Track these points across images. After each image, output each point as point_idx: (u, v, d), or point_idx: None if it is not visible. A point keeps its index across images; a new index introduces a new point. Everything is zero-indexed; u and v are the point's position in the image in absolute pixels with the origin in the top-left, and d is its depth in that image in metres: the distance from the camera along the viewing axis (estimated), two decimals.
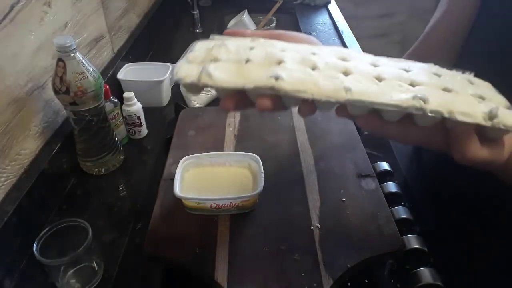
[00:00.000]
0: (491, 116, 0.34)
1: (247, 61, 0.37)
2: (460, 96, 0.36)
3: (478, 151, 0.35)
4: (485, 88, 0.39)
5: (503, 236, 0.59)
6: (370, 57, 0.42)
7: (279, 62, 0.37)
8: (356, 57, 0.41)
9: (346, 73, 0.37)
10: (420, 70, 0.40)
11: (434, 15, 0.66)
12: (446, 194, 0.69)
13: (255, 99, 0.36)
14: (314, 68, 0.38)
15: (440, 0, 0.66)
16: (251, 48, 0.40)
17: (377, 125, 0.37)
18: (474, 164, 0.36)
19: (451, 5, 0.63)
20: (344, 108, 0.37)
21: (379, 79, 0.37)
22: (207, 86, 0.36)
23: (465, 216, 0.63)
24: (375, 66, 0.40)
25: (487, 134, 0.36)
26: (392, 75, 0.38)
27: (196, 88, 0.37)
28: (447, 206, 0.68)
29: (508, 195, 0.56)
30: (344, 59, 0.40)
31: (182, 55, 0.40)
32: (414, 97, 0.34)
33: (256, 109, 0.36)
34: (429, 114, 0.33)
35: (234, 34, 0.44)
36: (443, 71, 0.41)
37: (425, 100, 0.34)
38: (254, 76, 0.36)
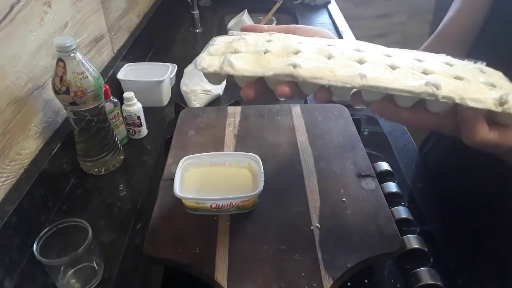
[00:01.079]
0: (502, 102, 0.35)
1: (266, 52, 0.40)
2: (471, 83, 0.37)
3: (486, 134, 0.36)
4: (497, 76, 0.40)
5: (503, 236, 0.59)
6: (384, 48, 0.44)
7: (296, 52, 0.40)
8: (371, 48, 0.43)
9: (361, 62, 0.39)
10: (433, 60, 0.41)
11: (448, 12, 0.67)
12: (447, 195, 0.69)
13: (274, 87, 0.38)
14: (330, 57, 0.40)
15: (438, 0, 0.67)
16: (269, 41, 0.42)
17: (391, 110, 0.38)
18: (482, 147, 0.37)
19: (464, 2, 0.64)
20: (359, 95, 0.38)
21: (393, 67, 0.39)
22: (229, 75, 0.38)
23: (466, 216, 0.63)
24: (388, 56, 0.41)
25: (498, 119, 0.37)
26: (406, 64, 0.39)
27: (218, 77, 0.39)
28: (447, 206, 0.68)
29: (508, 197, 0.56)
30: (358, 50, 0.42)
31: (203, 49, 0.42)
32: (427, 84, 0.35)
33: (276, 95, 0.38)
34: (441, 100, 0.35)
35: (252, 29, 0.46)
36: (455, 61, 0.42)
37: (437, 86, 0.35)
38: (273, 65, 0.38)
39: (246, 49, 0.41)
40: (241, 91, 0.40)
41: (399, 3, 2.40)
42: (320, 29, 0.48)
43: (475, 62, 0.42)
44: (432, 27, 2.46)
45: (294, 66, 0.37)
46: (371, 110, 0.39)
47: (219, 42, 0.43)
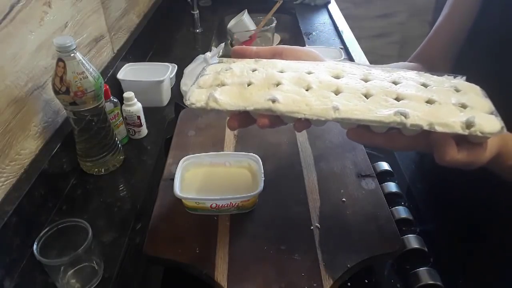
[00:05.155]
0: (469, 125, 0.37)
1: (249, 84, 0.43)
2: (442, 106, 0.39)
3: (455, 155, 0.38)
4: (472, 93, 0.42)
5: (503, 236, 0.59)
6: (363, 70, 0.46)
7: (277, 84, 0.43)
8: (349, 72, 0.45)
9: (337, 92, 0.42)
10: (409, 82, 0.43)
11: (439, 19, 0.67)
12: (447, 194, 0.69)
13: (256, 117, 0.42)
14: (308, 88, 0.43)
15: (438, 0, 0.68)
16: (254, 70, 0.45)
17: (366, 136, 0.41)
18: (453, 166, 0.39)
19: (452, 9, 0.65)
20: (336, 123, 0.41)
21: (367, 95, 0.41)
22: (214, 109, 0.42)
23: (465, 216, 0.63)
24: (366, 81, 0.44)
25: (470, 138, 0.39)
26: (380, 90, 0.42)
27: (206, 110, 0.43)
28: (447, 206, 0.68)
29: (507, 196, 0.56)
30: (337, 76, 0.45)
31: (194, 80, 0.46)
32: (396, 113, 0.38)
33: (257, 125, 0.41)
34: (409, 127, 0.37)
35: (241, 52, 0.49)
36: (433, 79, 0.44)
37: (405, 115, 0.37)
38: (254, 99, 0.41)
39: (231, 81, 0.44)
40: (227, 122, 0.44)
41: (399, 3, 2.40)
42: (306, 50, 0.50)
43: (454, 77, 0.44)
44: (432, 27, 2.46)
45: (273, 101, 0.40)
46: (347, 136, 0.41)
47: (209, 72, 0.47)
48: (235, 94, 0.42)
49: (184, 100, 0.43)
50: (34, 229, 0.62)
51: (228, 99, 0.42)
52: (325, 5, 1.66)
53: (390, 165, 0.74)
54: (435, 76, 0.45)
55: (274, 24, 1.35)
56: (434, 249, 0.59)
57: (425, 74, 0.45)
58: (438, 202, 0.70)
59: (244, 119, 0.43)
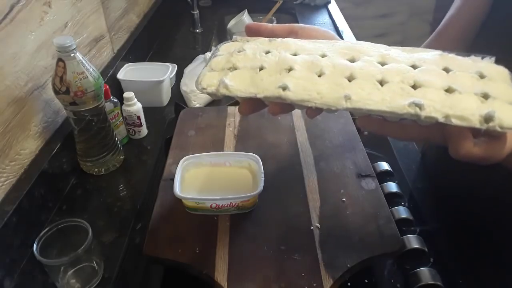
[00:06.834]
0: (487, 119, 0.34)
1: (261, 68, 0.42)
2: (461, 97, 0.36)
3: (471, 149, 0.36)
4: (499, 81, 0.38)
5: (503, 236, 0.59)
6: (381, 50, 0.43)
7: (289, 70, 0.42)
8: (366, 53, 0.43)
9: (350, 78, 0.40)
10: (429, 66, 0.40)
11: (449, 11, 0.67)
12: (447, 194, 0.69)
13: (268, 103, 0.41)
14: (320, 74, 0.41)
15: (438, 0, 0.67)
16: (267, 52, 0.44)
17: (376, 124, 0.39)
18: (468, 160, 0.37)
19: (464, 1, 0.64)
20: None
21: (382, 82, 0.39)
22: (225, 95, 0.41)
23: (465, 216, 0.63)
24: (383, 64, 0.41)
25: (488, 132, 0.36)
26: (397, 76, 0.39)
27: (216, 96, 0.42)
28: (447, 206, 0.68)
29: (508, 196, 0.56)
30: (353, 59, 0.42)
31: (208, 60, 0.45)
32: (410, 104, 0.36)
33: (268, 112, 0.42)
34: (424, 119, 0.35)
35: (256, 29, 0.48)
36: (457, 62, 0.40)
37: (420, 107, 0.35)
38: (265, 85, 0.40)
39: (243, 65, 0.43)
40: (238, 107, 0.43)
41: (399, 3, 2.40)
42: (323, 30, 0.49)
43: (482, 58, 0.41)
44: (432, 27, 2.47)
45: (284, 88, 0.39)
46: (357, 123, 0.40)
47: (222, 52, 0.46)
48: (246, 79, 0.41)
49: (196, 85, 0.42)
50: (34, 229, 0.62)
51: (239, 84, 0.41)
52: (325, 5, 1.66)
53: (390, 165, 0.74)
54: (459, 57, 0.41)
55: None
56: (434, 249, 0.59)
57: (450, 55, 0.41)
58: (438, 202, 0.70)
59: (255, 104, 0.43)
